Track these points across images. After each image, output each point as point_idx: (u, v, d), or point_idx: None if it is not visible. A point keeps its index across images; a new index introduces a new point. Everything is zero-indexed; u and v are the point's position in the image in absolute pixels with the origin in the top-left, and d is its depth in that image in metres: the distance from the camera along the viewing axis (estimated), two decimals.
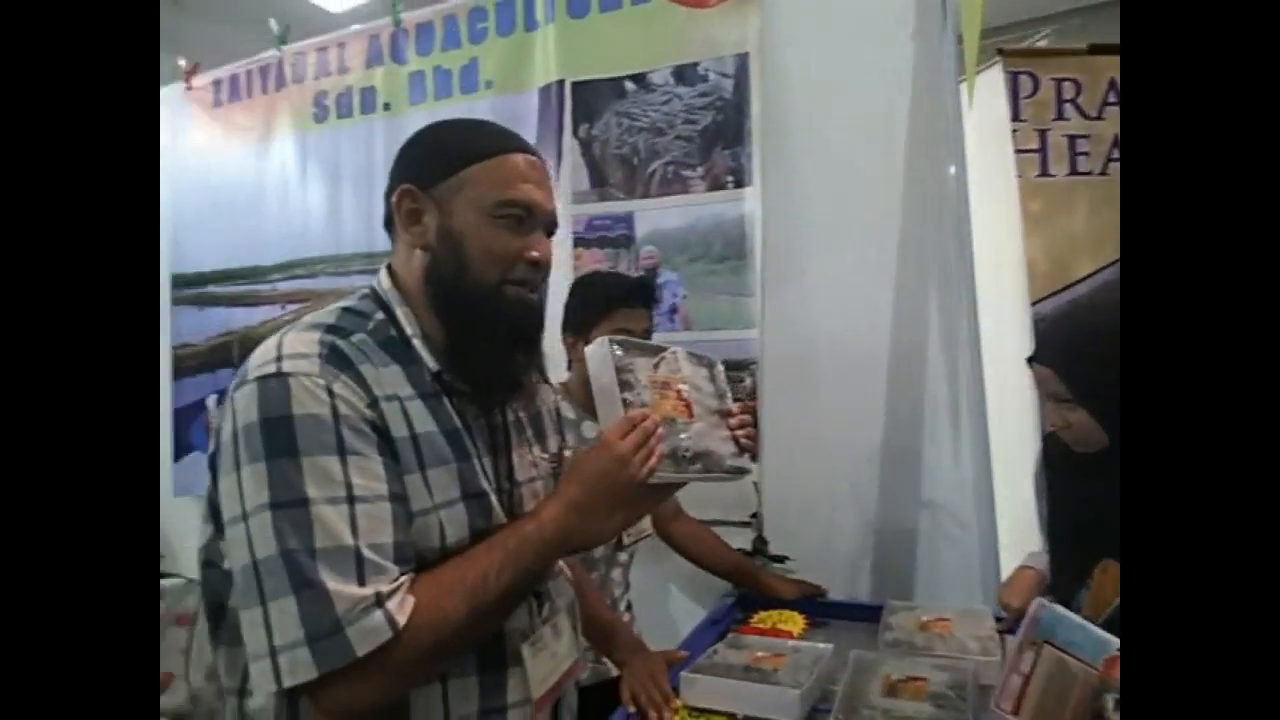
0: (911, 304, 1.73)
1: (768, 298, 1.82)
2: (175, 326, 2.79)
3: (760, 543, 1.74)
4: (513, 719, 0.79)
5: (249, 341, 2.61)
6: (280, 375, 0.70)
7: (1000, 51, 1.79)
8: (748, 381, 1.81)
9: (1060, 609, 0.90)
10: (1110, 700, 0.83)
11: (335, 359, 0.73)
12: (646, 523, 1.58)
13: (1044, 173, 1.56)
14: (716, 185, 1.87)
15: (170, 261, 2.78)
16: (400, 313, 0.80)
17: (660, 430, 0.80)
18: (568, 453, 1.02)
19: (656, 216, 1.94)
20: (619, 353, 0.85)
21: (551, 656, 0.83)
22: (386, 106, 2.35)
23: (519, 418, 0.90)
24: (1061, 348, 1.15)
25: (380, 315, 0.80)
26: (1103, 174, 1.54)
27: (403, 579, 0.69)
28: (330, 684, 0.64)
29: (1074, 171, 1.55)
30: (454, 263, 0.79)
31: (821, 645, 1.24)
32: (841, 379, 1.78)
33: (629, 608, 1.60)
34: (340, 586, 0.65)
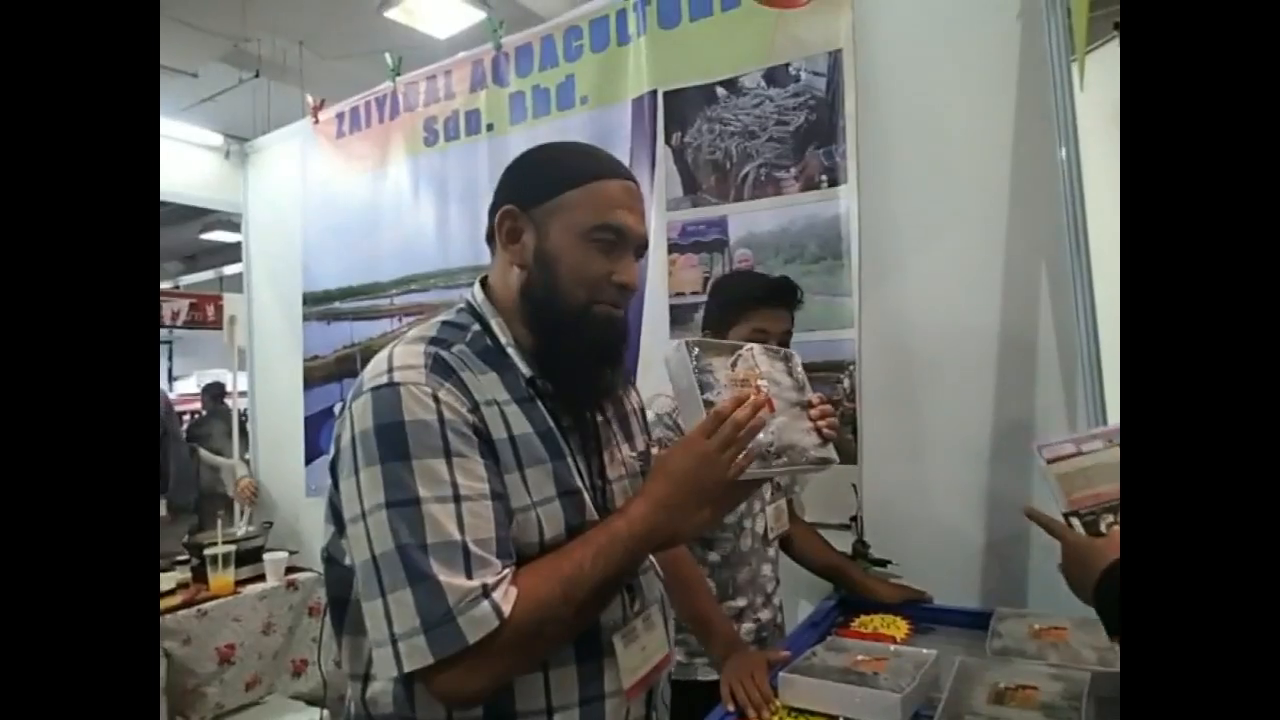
0: (1021, 298, 1.65)
1: (865, 297, 1.79)
2: (306, 341, 3.05)
3: (861, 546, 1.71)
4: (610, 708, 0.83)
5: (370, 353, 2.81)
6: (392, 385, 0.76)
7: (1116, 26, 1.68)
8: (846, 383, 1.78)
9: None
10: None
11: (439, 369, 0.79)
12: (785, 516, 1.59)
13: None
14: (810, 185, 1.86)
15: (301, 282, 3.05)
16: (495, 323, 0.86)
17: (748, 425, 0.81)
18: (655, 450, 1.06)
19: (750, 219, 1.95)
20: (696, 354, 0.87)
21: (642, 649, 0.86)
22: (490, 127, 2.48)
23: (608, 419, 0.94)
24: None
25: (476, 326, 0.86)
26: None
27: (506, 571, 0.74)
28: (444, 669, 0.70)
29: None
30: (547, 283, 0.84)
31: (925, 650, 1.21)
32: (945, 377, 1.72)
33: (780, 605, 1.60)
34: (450, 579, 0.70)
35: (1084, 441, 0.96)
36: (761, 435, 0.85)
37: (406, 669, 0.70)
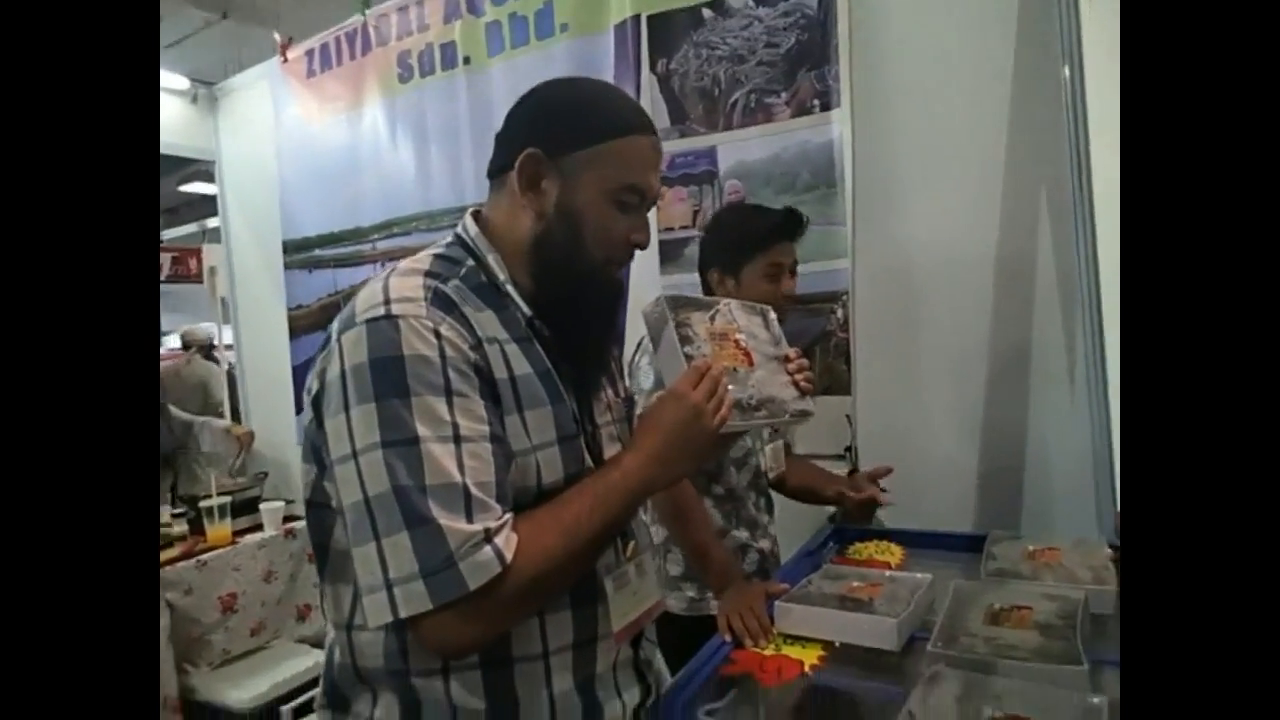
0: (1020, 224, 1.61)
1: (859, 225, 1.74)
2: (289, 290, 2.99)
3: (854, 475, 1.71)
4: (601, 649, 0.82)
5: None
6: (390, 318, 0.71)
7: None
8: (840, 313, 1.75)
9: None
10: None
11: (440, 302, 0.74)
12: (782, 456, 1.59)
13: None
14: (802, 110, 1.79)
15: (280, 229, 2.96)
16: (491, 259, 0.82)
17: (725, 379, 0.82)
18: (638, 396, 1.05)
19: (740, 149, 1.89)
20: (675, 309, 0.87)
21: (633, 593, 0.86)
22: (466, 60, 2.37)
23: (592, 367, 0.91)
24: None
25: (470, 262, 0.82)
26: None
27: (506, 517, 0.72)
28: (441, 616, 0.68)
29: None
30: (568, 238, 0.80)
31: (920, 575, 1.21)
32: (940, 306, 1.69)
33: (775, 536, 1.61)
34: (451, 522, 0.67)
35: None
36: (741, 389, 0.85)
37: (403, 614, 0.68)
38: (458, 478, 0.69)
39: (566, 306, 0.81)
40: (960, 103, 1.66)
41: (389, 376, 0.70)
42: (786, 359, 0.97)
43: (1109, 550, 1.26)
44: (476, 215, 0.86)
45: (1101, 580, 1.14)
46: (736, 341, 0.91)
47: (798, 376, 0.96)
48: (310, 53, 2.79)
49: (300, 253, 2.94)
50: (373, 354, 0.70)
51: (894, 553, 1.46)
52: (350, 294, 2.73)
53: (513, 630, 0.76)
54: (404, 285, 0.76)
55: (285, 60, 2.87)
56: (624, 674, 0.85)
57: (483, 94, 2.31)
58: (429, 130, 2.49)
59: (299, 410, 2.99)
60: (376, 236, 2.69)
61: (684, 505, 1.32)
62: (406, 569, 0.67)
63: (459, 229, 0.86)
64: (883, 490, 1.63)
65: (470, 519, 0.68)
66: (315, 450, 0.77)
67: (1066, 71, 1.52)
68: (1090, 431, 1.55)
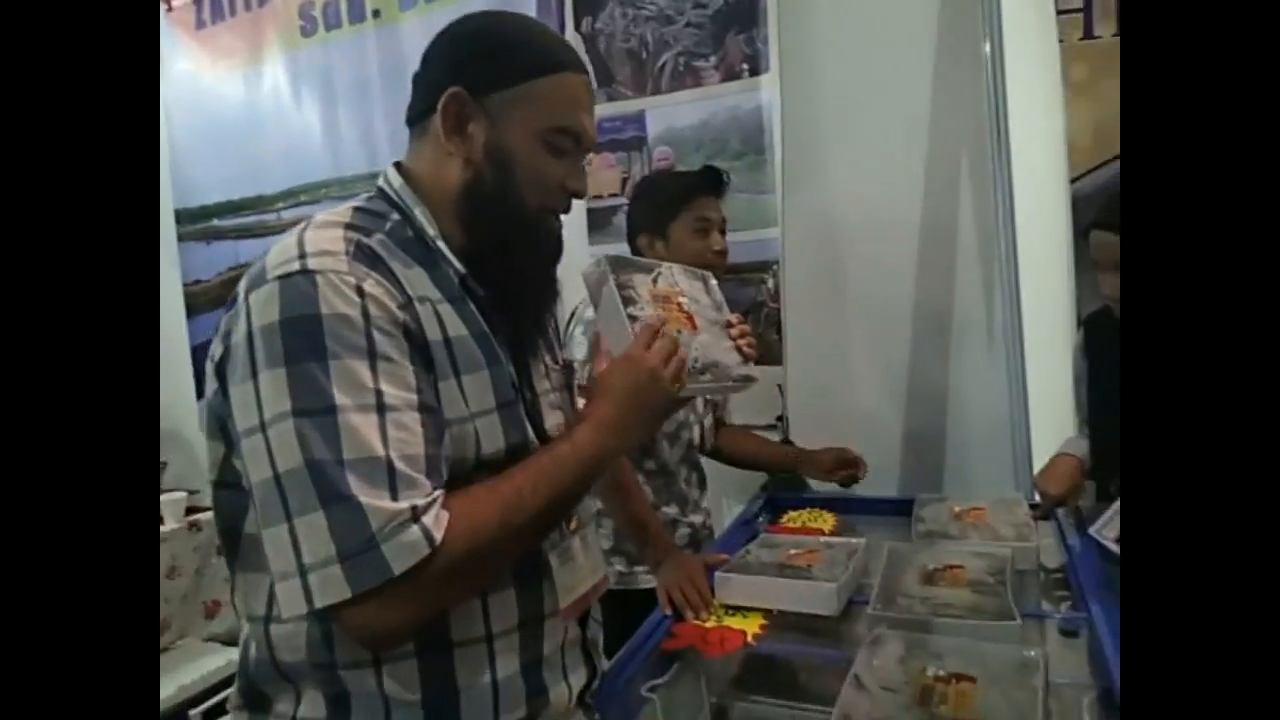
0: (942, 192, 1.64)
1: (788, 194, 1.74)
2: (184, 263, 2.76)
3: (786, 445, 1.72)
4: (549, 629, 0.78)
5: None
6: (306, 273, 0.64)
7: None
8: (770, 283, 1.75)
9: None
10: None
11: (363, 256, 0.67)
12: (713, 428, 1.57)
13: (1088, 35, 1.43)
14: (731, 75, 1.76)
15: (172, 197, 2.72)
16: (419, 212, 0.75)
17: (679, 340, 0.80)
18: (576, 364, 1.00)
19: (669, 114, 1.84)
20: (616, 270, 0.84)
21: (579, 569, 0.81)
22: (376, 14, 2.22)
23: (530, 327, 0.86)
24: None
25: (395, 216, 0.75)
26: None
27: (437, 493, 0.66)
28: (363, 604, 0.61)
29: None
30: (499, 184, 0.74)
31: (854, 540, 1.23)
32: (867, 274, 1.72)
33: (708, 509, 1.60)
34: (373, 500, 0.61)
35: None
36: (688, 352, 0.83)
37: (318, 604, 0.61)
38: (380, 451, 0.62)
39: (501, 259, 0.75)
40: (885, 69, 1.67)
41: (304, 338, 0.62)
42: (728, 324, 0.95)
43: (1028, 508, 1.32)
44: (399, 166, 0.79)
45: (1024, 538, 1.19)
46: (679, 304, 0.89)
47: (740, 341, 0.93)
48: (199, 1, 2.55)
49: (196, 222, 2.71)
50: (285, 313, 0.63)
51: (826, 519, 1.48)
52: None
53: (452, 613, 0.70)
54: (322, 238, 0.68)
55: (170, 9, 2.61)
56: (571, 655, 0.81)
57: (394, 50, 2.16)
58: (337, 89, 2.33)
59: (200, 395, 2.79)
60: (282, 205, 2.50)
61: (622, 478, 1.29)
62: (322, 552, 0.60)
63: (380, 181, 0.78)
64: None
65: (395, 496, 0.62)
66: (220, 423, 0.69)
67: (987, 48, 1.55)
68: (1007, 391, 1.62)
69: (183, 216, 2.72)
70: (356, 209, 0.74)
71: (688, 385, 0.82)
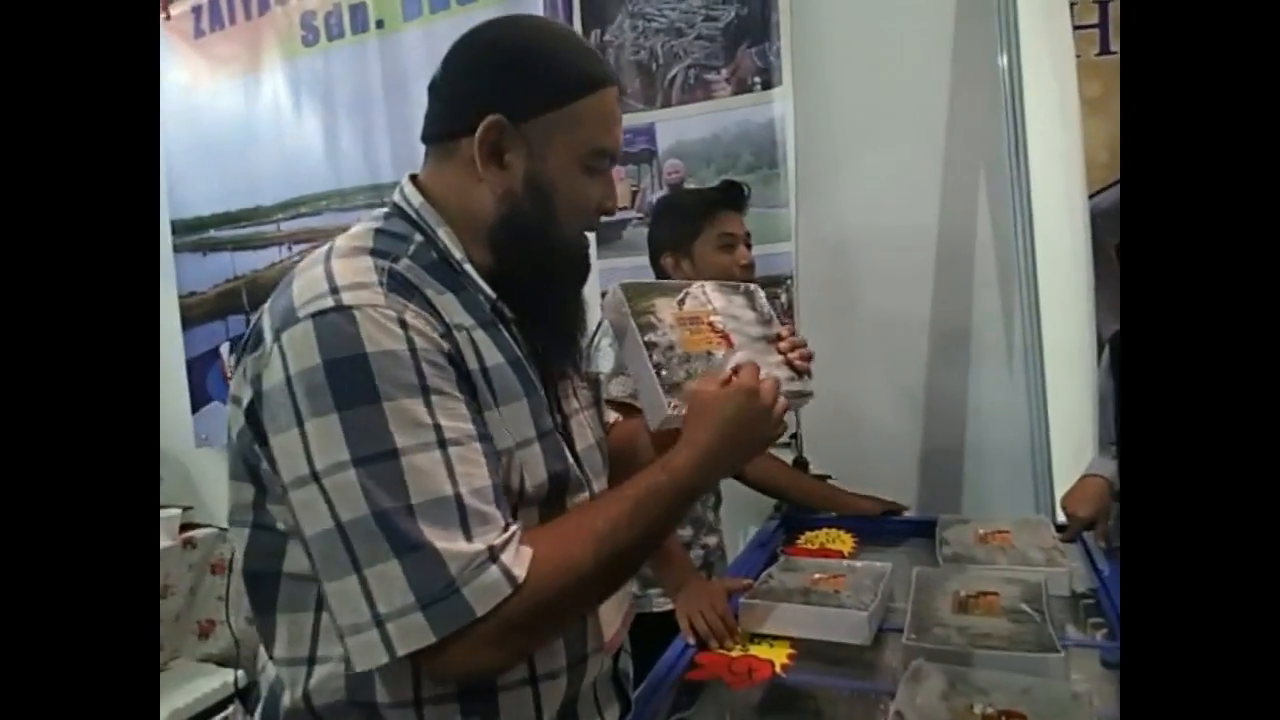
0: (959, 207, 1.62)
1: (801, 208, 1.72)
2: (179, 275, 2.71)
3: (801, 464, 1.69)
4: (590, 666, 0.74)
5: (257, 286, 2.54)
6: (342, 309, 0.60)
7: None
8: (784, 298, 1.72)
9: None
10: None
11: (399, 286, 0.64)
12: None
13: (1104, 50, 1.42)
14: (743, 88, 1.74)
15: (167, 207, 2.68)
16: (442, 234, 0.71)
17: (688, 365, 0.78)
18: (602, 377, 0.97)
19: (679, 127, 1.82)
20: (635, 295, 0.82)
21: (616, 601, 0.78)
22: (379, 24, 2.19)
23: (563, 352, 0.82)
24: None
25: (418, 237, 0.71)
26: None
27: (512, 530, 0.63)
28: (449, 647, 0.59)
29: None
30: (539, 216, 0.70)
31: (879, 564, 1.19)
32: (882, 290, 1.69)
33: (721, 530, 1.56)
34: (449, 545, 0.58)
35: None
36: (720, 375, 0.79)
37: (400, 653, 0.58)
38: (448, 489, 0.59)
39: (538, 287, 0.72)
40: (901, 83, 1.66)
41: (351, 379, 0.59)
42: (778, 338, 0.89)
43: (1053, 530, 1.29)
44: (416, 182, 0.74)
45: (1054, 562, 1.16)
46: (711, 324, 0.85)
47: (791, 355, 0.87)
48: (198, 9, 2.52)
49: (191, 234, 2.66)
50: (327, 354, 0.59)
51: (845, 540, 1.44)
52: (252, 279, 2.55)
53: None
54: (352, 269, 0.64)
55: (168, 18, 2.57)
56: (604, 690, 0.77)
57: (397, 61, 2.14)
58: (337, 100, 2.29)
59: (195, 408, 2.73)
60: (280, 216, 2.46)
61: None
62: (399, 601, 0.57)
63: (398, 199, 0.74)
64: (830, 478, 1.62)
65: (469, 537, 0.59)
66: (251, 469, 0.65)
67: (1004, 60, 1.53)
68: (1027, 409, 1.59)
69: (178, 227, 2.68)
70: (378, 231, 0.70)
71: None
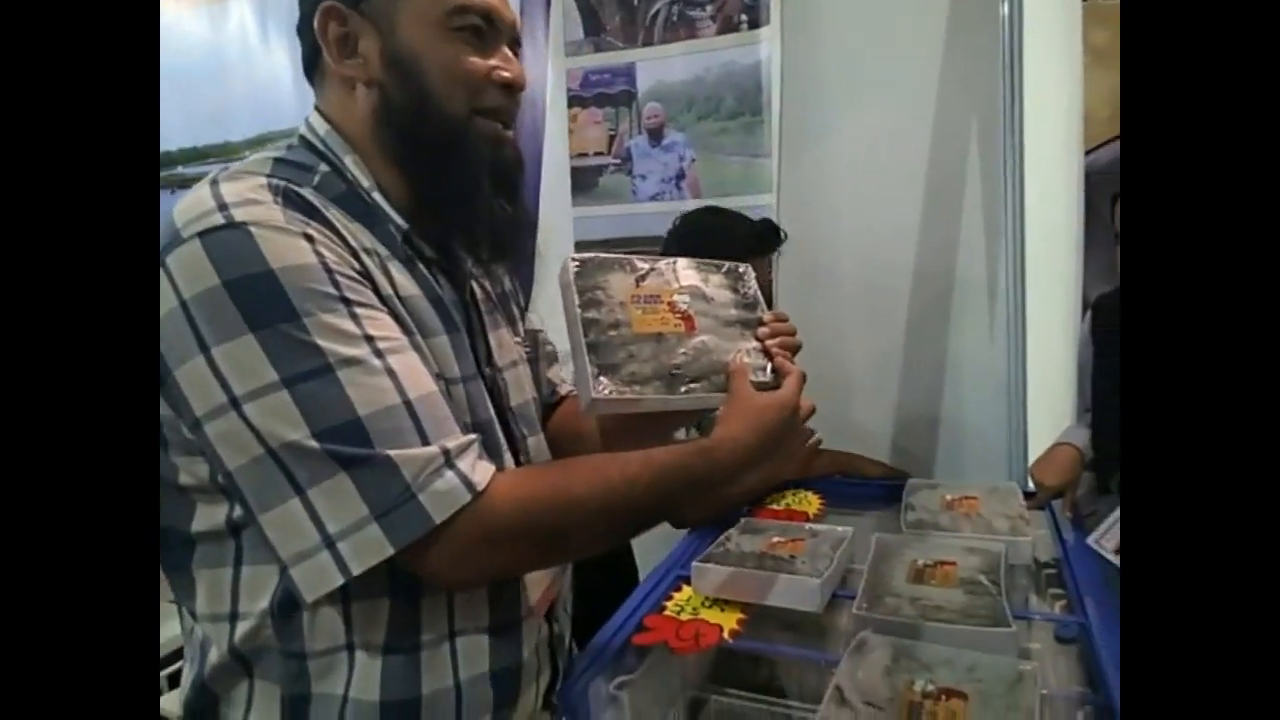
0: (949, 162, 1.55)
1: (785, 159, 1.64)
2: None
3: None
4: (526, 630, 0.72)
5: None
6: (235, 225, 0.55)
7: None
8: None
9: None
10: None
11: (296, 204, 0.59)
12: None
13: None
14: (729, 27, 1.65)
15: None
16: (349, 162, 0.66)
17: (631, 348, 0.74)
18: (543, 334, 0.92)
19: (660, 68, 1.73)
20: (587, 269, 0.78)
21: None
22: None
23: (489, 294, 0.77)
24: None
25: (324, 167, 0.65)
26: None
27: (471, 436, 0.60)
28: (410, 560, 0.57)
29: None
30: (411, 92, 0.64)
31: (841, 529, 1.17)
32: (864, 247, 1.64)
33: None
34: (402, 450, 0.55)
35: None
36: (667, 357, 0.76)
37: (356, 570, 0.55)
38: (395, 397, 0.56)
39: (438, 176, 0.66)
40: (894, 26, 1.57)
41: (262, 297, 0.54)
42: (760, 322, 0.85)
43: (1022, 498, 1.26)
44: (320, 111, 0.69)
45: (1018, 531, 1.13)
46: (671, 304, 0.80)
47: (770, 343, 0.83)
48: None
49: (160, 170, 2.57)
50: (226, 274, 0.54)
51: (811, 502, 1.42)
52: None
53: (423, 607, 0.64)
54: (242, 187, 0.59)
55: None
56: (539, 654, 0.74)
57: None
58: None
59: None
60: (250, 153, 2.36)
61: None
62: (351, 516, 0.55)
63: (302, 128, 0.69)
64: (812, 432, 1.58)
65: (425, 440, 0.56)
66: None
67: (1005, 8, 1.44)
68: (1006, 373, 1.55)
69: None
70: (277, 160, 0.65)
71: (664, 393, 0.75)
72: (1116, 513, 0.81)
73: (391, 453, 0.55)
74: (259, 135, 2.35)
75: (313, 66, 0.69)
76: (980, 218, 1.54)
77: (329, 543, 0.55)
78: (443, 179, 0.66)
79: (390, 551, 0.55)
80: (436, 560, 0.57)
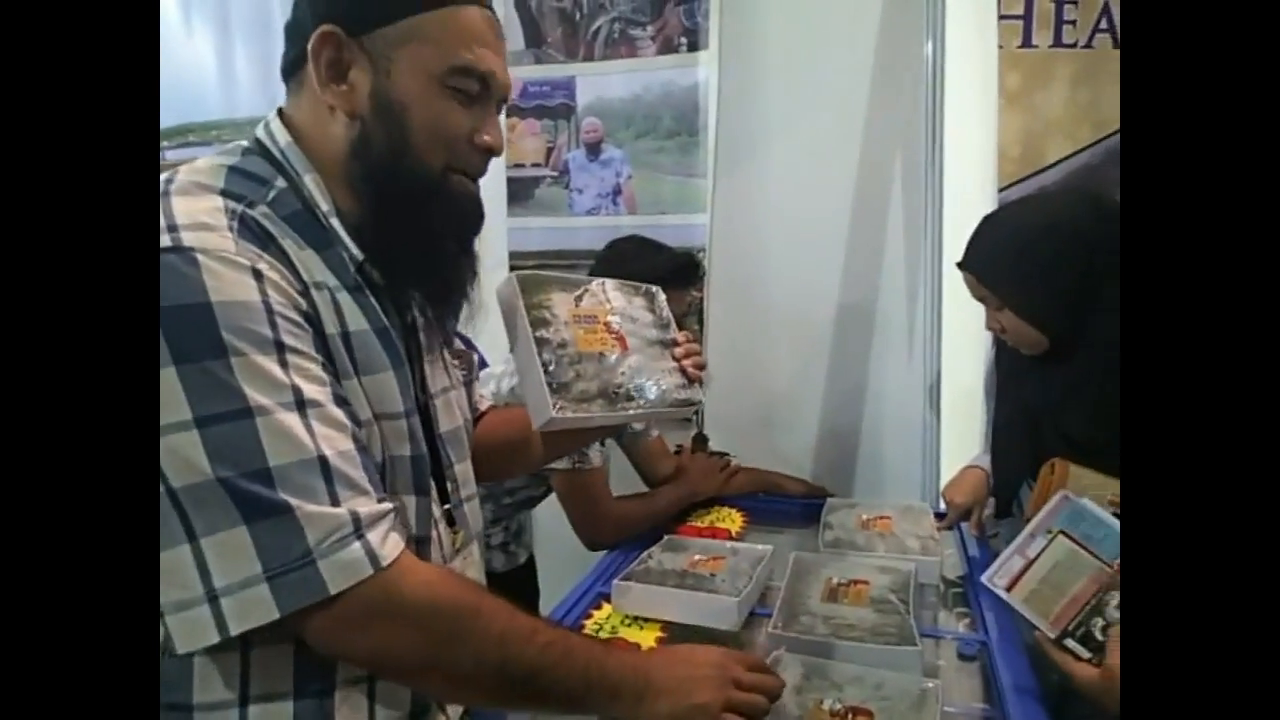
0: (874, 191, 1.61)
1: (719, 179, 1.67)
2: None
3: (700, 439, 1.67)
4: None
5: None
6: (182, 250, 0.52)
7: None
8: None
9: (1089, 504, 0.86)
10: (1115, 598, 0.79)
11: (251, 234, 0.56)
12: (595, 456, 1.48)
13: (1026, 43, 1.42)
14: (668, 48, 1.67)
15: None
16: (309, 181, 0.63)
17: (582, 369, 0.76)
18: (475, 356, 0.92)
19: (600, 83, 1.73)
20: (530, 287, 0.79)
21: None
22: None
23: (428, 319, 0.75)
24: (982, 249, 1.07)
25: (280, 182, 0.62)
26: (1087, 46, 1.41)
27: (387, 505, 0.57)
28: (295, 626, 0.54)
29: (1057, 43, 1.41)
30: (393, 140, 0.62)
31: (761, 547, 1.19)
32: (793, 267, 1.68)
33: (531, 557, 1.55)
34: (311, 507, 0.53)
35: (1025, 547, 0.85)
36: (610, 376, 0.79)
37: (234, 630, 0.52)
38: (311, 451, 0.54)
39: (402, 225, 0.64)
40: (826, 59, 1.62)
41: (194, 331, 0.51)
42: (674, 343, 0.89)
43: (933, 519, 1.31)
44: (284, 117, 0.66)
45: (929, 551, 1.18)
46: (607, 324, 0.83)
47: (685, 362, 0.87)
48: None
49: None
50: (163, 299, 0.51)
51: (734, 519, 1.44)
52: None
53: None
54: (195, 207, 0.55)
55: None
56: None
57: None
58: (232, 21, 2.11)
59: None
60: (167, 145, 2.25)
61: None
62: (242, 573, 0.51)
63: (261, 134, 0.65)
64: (728, 455, 1.61)
65: (335, 501, 0.54)
66: None
67: (929, 48, 1.51)
68: (922, 395, 1.62)
69: None
70: (231, 169, 0.61)
71: (608, 411, 0.77)
72: (1009, 550, 0.86)
73: (297, 508, 0.52)
74: (178, 125, 2.24)
75: (292, 71, 0.65)
76: (902, 249, 1.61)
77: (211, 597, 0.52)
78: (408, 228, 0.64)
79: (275, 616, 0.52)
80: (323, 626, 0.54)
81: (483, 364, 1.31)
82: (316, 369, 0.57)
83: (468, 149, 0.65)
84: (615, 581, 1.07)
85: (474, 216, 0.69)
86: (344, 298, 0.62)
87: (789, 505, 1.51)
